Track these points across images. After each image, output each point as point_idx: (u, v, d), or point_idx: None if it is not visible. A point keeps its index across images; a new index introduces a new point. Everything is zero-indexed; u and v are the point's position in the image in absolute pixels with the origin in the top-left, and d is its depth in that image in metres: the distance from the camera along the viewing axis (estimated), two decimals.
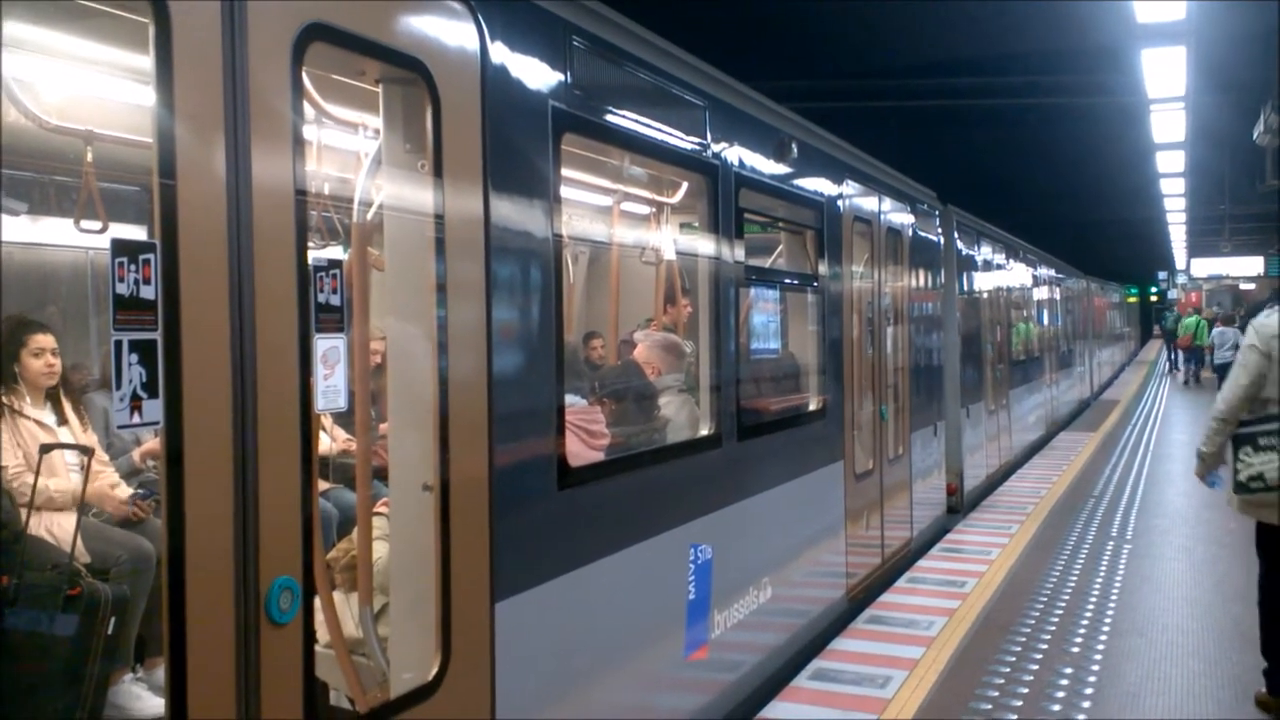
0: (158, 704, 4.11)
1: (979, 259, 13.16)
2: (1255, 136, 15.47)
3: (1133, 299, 52.22)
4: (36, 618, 3.37)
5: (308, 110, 3.40)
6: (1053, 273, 20.76)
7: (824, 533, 6.98)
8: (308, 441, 2.79)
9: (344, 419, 5.27)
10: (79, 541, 3.79)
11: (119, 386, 2.37)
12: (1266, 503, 5.29)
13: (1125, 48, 12.28)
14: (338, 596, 3.75)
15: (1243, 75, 14.08)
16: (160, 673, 4.19)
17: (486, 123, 3.49)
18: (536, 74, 3.85)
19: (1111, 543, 9.40)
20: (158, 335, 2.41)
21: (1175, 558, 9.00)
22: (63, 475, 4.34)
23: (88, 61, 3.81)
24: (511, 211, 3.64)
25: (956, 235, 11.66)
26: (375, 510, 3.80)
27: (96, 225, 4.10)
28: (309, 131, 3.82)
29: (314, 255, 2.85)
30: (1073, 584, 7.96)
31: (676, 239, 6.76)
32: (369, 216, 3.62)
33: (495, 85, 3.55)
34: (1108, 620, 7.02)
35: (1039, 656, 6.30)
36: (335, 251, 4.28)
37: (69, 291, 5.88)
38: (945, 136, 18.55)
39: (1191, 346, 29.53)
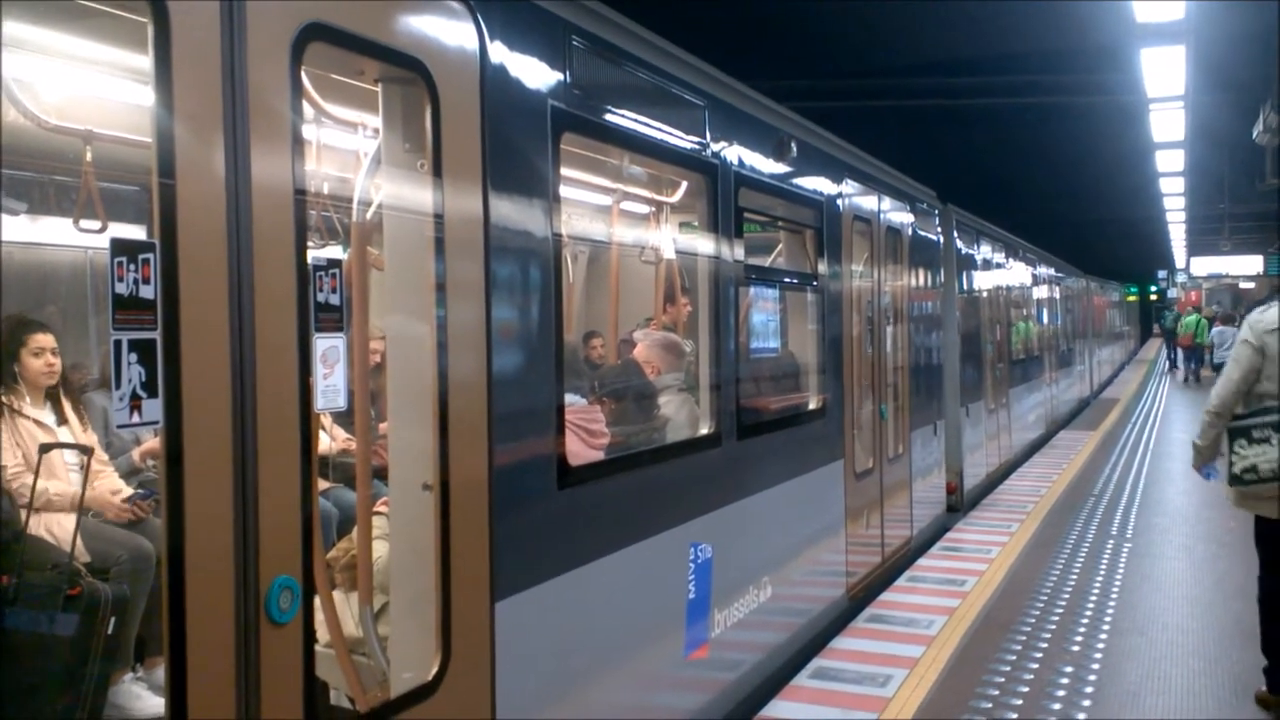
0: (158, 704, 4.11)
1: (979, 258, 13.17)
2: (1254, 135, 15.48)
3: (1132, 298, 52.24)
4: (36, 618, 3.38)
5: (307, 110, 3.41)
6: (1052, 272, 20.77)
7: (824, 531, 6.98)
8: (307, 441, 2.78)
9: (344, 418, 5.27)
10: (79, 541, 3.80)
11: (118, 386, 2.37)
12: (1261, 495, 5.32)
13: (1125, 47, 12.28)
14: (338, 596, 3.75)
15: (1242, 74, 14.09)
16: (160, 672, 4.19)
17: (486, 122, 3.49)
18: (536, 73, 3.85)
19: (1111, 541, 9.40)
20: (157, 335, 2.41)
21: (1175, 556, 9.00)
22: (62, 476, 4.34)
23: (87, 61, 3.81)
24: (511, 211, 3.64)
25: (956, 234, 11.66)
26: (375, 510, 3.80)
27: (96, 225, 4.11)
28: (308, 131, 3.84)
29: (313, 255, 2.85)
30: (1073, 582, 7.96)
31: (676, 238, 6.76)
32: (368, 216, 3.62)
33: (495, 85, 3.55)
34: (1108, 619, 7.03)
35: (1039, 655, 6.30)
36: (335, 251, 4.28)
37: (68, 291, 5.88)
38: (945, 136, 18.55)
39: (1192, 345, 29.54)
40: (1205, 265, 36.90)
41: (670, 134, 4.96)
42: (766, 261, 7.03)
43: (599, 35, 4.33)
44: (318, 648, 2.88)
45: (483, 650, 3.42)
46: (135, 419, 2.41)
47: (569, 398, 4.42)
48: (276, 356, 2.68)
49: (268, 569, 2.63)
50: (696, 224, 5.82)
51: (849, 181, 7.56)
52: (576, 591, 4.01)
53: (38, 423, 4.31)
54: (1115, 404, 24.11)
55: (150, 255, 2.40)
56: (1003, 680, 5.89)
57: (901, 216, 9.12)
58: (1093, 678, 5.92)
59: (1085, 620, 6.99)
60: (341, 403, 2.97)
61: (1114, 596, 7.58)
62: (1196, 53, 11.63)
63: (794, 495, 6.39)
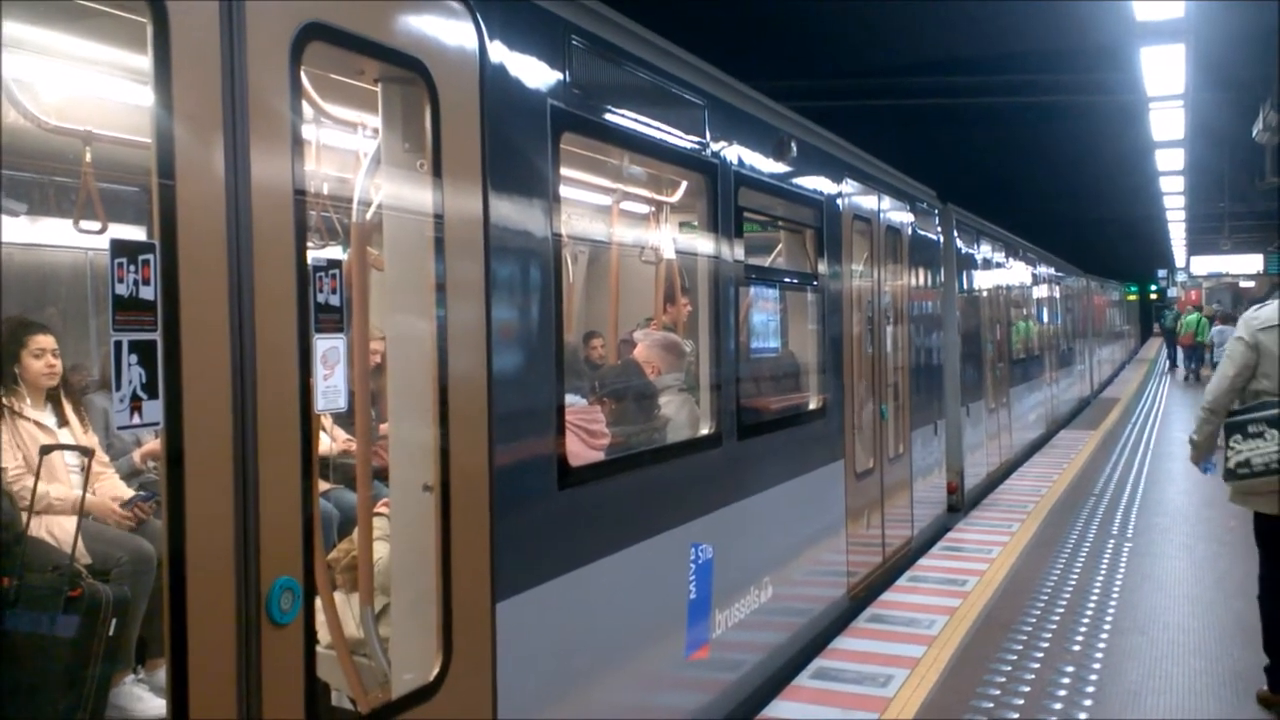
0: (159, 705, 4.11)
1: (979, 257, 13.16)
2: (1254, 134, 15.48)
3: (1132, 297, 52.24)
4: (37, 619, 3.38)
5: (306, 110, 3.40)
6: (1052, 271, 20.76)
7: (825, 532, 6.98)
8: (308, 442, 2.78)
9: (344, 419, 5.26)
10: (79, 543, 3.79)
11: (119, 387, 2.37)
12: (1256, 490, 5.33)
13: (1124, 46, 12.28)
14: (339, 597, 3.75)
15: (1242, 73, 14.09)
16: (161, 674, 4.18)
17: (485, 122, 3.48)
18: (536, 73, 3.85)
19: (1112, 541, 9.40)
20: (157, 336, 2.41)
21: (1176, 555, 9.00)
22: (63, 478, 4.34)
23: (86, 62, 3.81)
24: (511, 211, 3.64)
25: (956, 234, 11.65)
26: (376, 510, 3.80)
27: (96, 226, 4.11)
28: (308, 131, 3.83)
29: (313, 255, 2.85)
30: (1074, 582, 7.95)
31: (676, 238, 6.76)
32: (368, 216, 3.61)
33: (494, 84, 3.55)
34: (1109, 618, 7.02)
35: (1040, 655, 6.29)
36: (335, 251, 4.28)
37: (68, 292, 5.88)
38: (945, 135, 18.55)
39: (1193, 344, 29.54)
40: (1205, 264, 36.86)
41: (670, 133, 4.96)
42: (766, 261, 7.03)
43: (599, 35, 4.33)
44: (319, 649, 2.88)
45: (484, 651, 3.42)
46: (136, 420, 2.41)
47: (569, 398, 4.41)
48: (277, 357, 2.68)
49: (269, 570, 2.63)
50: (696, 224, 5.82)
51: (849, 181, 7.56)
52: (577, 592, 4.00)
53: (38, 424, 4.31)
54: (1115, 403, 24.11)
55: (150, 256, 2.40)
56: (1004, 680, 5.89)
57: (901, 216, 9.12)
58: (1094, 677, 5.91)
59: (1086, 620, 6.98)
60: (342, 403, 2.96)
61: (1115, 596, 7.57)
62: (1196, 51, 11.63)
63: (795, 495, 6.39)
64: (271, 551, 2.63)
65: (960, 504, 11.13)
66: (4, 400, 4.23)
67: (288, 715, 2.69)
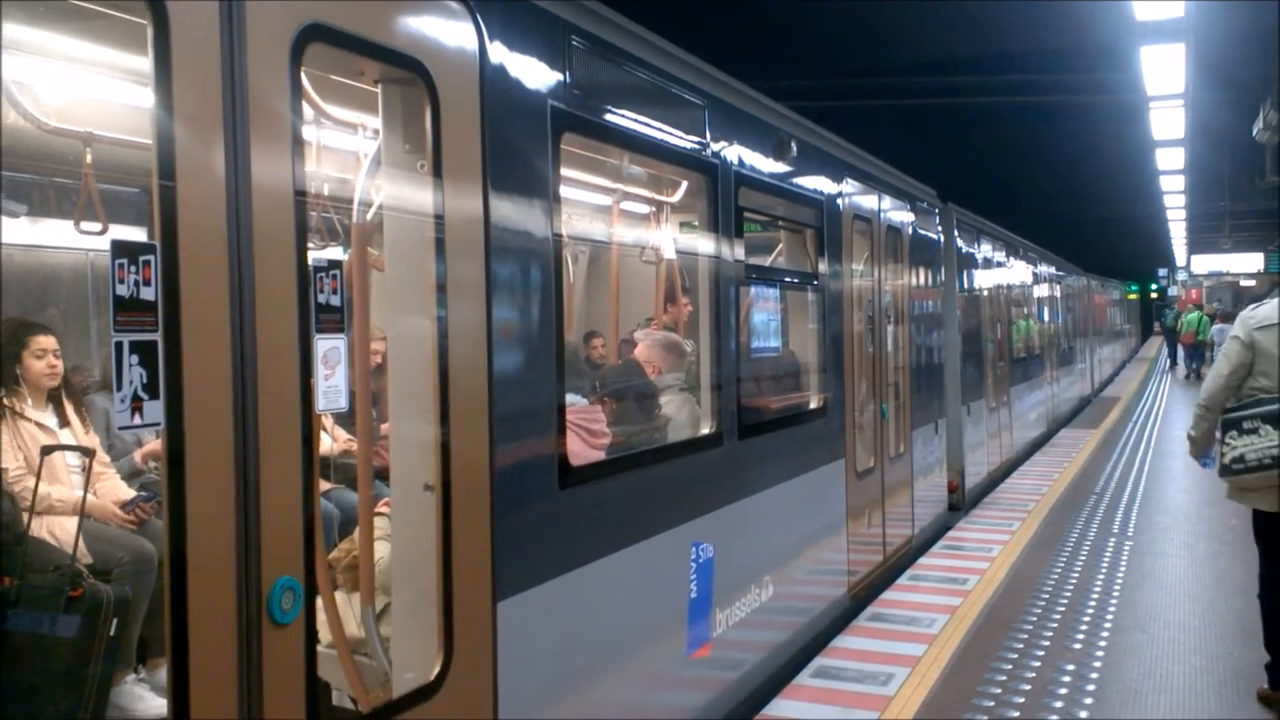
0: (160, 705, 4.12)
1: (979, 257, 13.16)
2: (1254, 133, 15.48)
3: (1133, 296, 52.21)
4: (38, 619, 3.38)
5: (307, 111, 3.41)
6: (1053, 270, 20.76)
7: (825, 531, 6.98)
8: (309, 442, 2.79)
9: (345, 419, 5.27)
10: (80, 543, 3.80)
11: (120, 388, 2.37)
12: (1252, 486, 5.34)
13: (1125, 45, 12.29)
14: (339, 596, 3.75)
15: (1242, 72, 14.09)
16: (162, 673, 4.19)
17: (486, 123, 3.49)
18: (536, 74, 3.85)
19: (1113, 539, 9.40)
20: (158, 336, 2.41)
21: (1177, 554, 9.00)
22: (64, 479, 4.35)
23: (86, 63, 3.81)
24: (511, 211, 3.64)
25: (956, 233, 11.65)
26: (377, 510, 3.80)
27: (96, 227, 4.11)
28: (308, 132, 3.83)
29: (314, 256, 2.85)
30: (1074, 581, 7.96)
31: (676, 238, 6.77)
32: (369, 217, 3.62)
33: (494, 85, 3.55)
34: (1109, 617, 7.02)
35: (1041, 653, 6.30)
36: (335, 252, 4.28)
37: (69, 293, 5.88)
38: (945, 135, 18.55)
39: (1194, 342, 29.52)
40: (1206, 263, 36.86)
41: (670, 134, 4.96)
42: (767, 261, 7.03)
43: (599, 35, 4.33)
44: (320, 648, 2.89)
45: (484, 650, 3.42)
46: (137, 421, 2.41)
47: (570, 398, 4.42)
48: (277, 358, 2.68)
49: (269, 570, 2.63)
50: (697, 224, 5.82)
51: (849, 181, 7.56)
52: (578, 591, 4.01)
53: (40, 425, 4.32)
54: (1116, 402, 24.11)
55: (151, 257, 2.40)
56: (1004, 679, 5.89)
57: (902, 215, 9.12)
58: (1094, 676, 5.92)
59: (1087, 618, 6.99)
60: (343, 404, 2.97)
61: (1115, 594, 7.57)
62: (1196, 51, 11.63)
63: (795, 494, 6.39)
64: (272, 551, 2.64)
65: (961, 503, 11.13)
66: (5, 401, 4.23)
67: (288, 715, 2.69)
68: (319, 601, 2.97)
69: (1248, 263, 34.27)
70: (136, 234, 4.37)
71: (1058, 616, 7.04)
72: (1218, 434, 5.53)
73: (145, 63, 2.45)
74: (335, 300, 2.89)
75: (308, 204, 2.94)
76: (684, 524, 4.90)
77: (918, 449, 9.35)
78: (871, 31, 13.42)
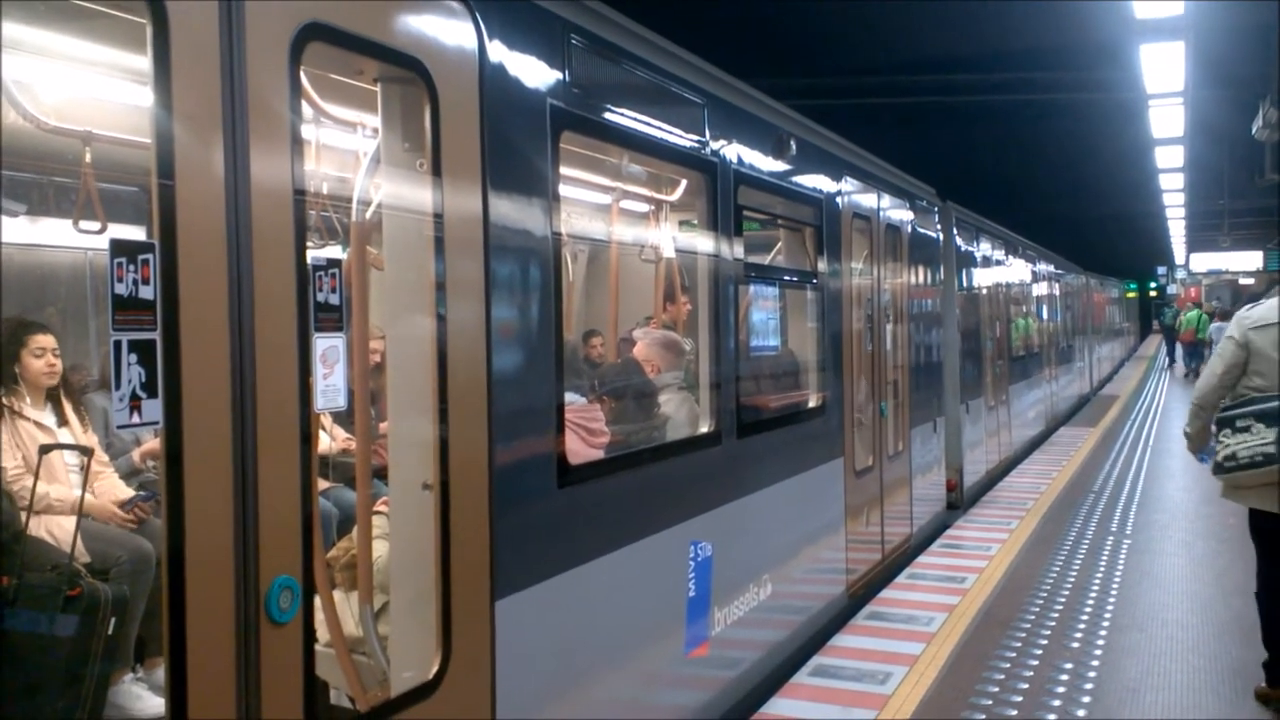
0: (158, 704, 4.12)
1: (978, 255, 13.16)
2: (1254, 131, 15.48)
3: (1132, 294, 52.23)
4: (36, 618, 3.38)
5: (306, 110, 3.40)
6: (1052, 268, 20.76)
7: (824, 529, 6.98)
8: (307, 441, 2.79)
9: (344, 418, 5.27)
10: (79, 542, 3.80)
11: (118, 387, 2.38)
12: (1244, 484, 5.35)
13: (1124, 43, 12.29)
14: (338, 595, 3.75)
15: (1241, 70, 14.10)
16: (160, 673, 4.19)
17: (485, 121, 3.49)
18: (535, 72, 3.85)
19: (1111, 538, 9.41)
20: (157, 335, 2.41)
21: (1175, 553, 9.01)
22: (62, 478, 4.35)
23: (86, 62, 3.81)
24: (510, 210, 3.64)
25: (955, 232, 11.65)
26: (375, 509, 3.81)
27: (95, 226, 4.11)
28: (307, 131, 3.83)
29: (313, 254, 2.85)
30: (1072, 579, 7.96)
31: (675, 236, 6.76)
32: (368, 216, 3.62)
33: (494, 84, 3.55)
34: (1107, 615, 7.03)
35: (1039, 652, 6.30)
36: (334, 251, 4.28)
37: (68, 292, 5.88)
38: (944, 133, 18.58)
39: (1194, 340, 29.53)
40: (1205, 261, 36.86)
41: (669, 132, 4.96)
42: (766, 259, 7.03)
43: (598, 34, 4.33)
44: (318, 647, 2.89)
45: (483, 649, 3.43)
46: (135, 419, 2.41)
47: (569, 396, 4.42)
48: (276, 356, 2.68)
49: (268, 569, 2.63)
50: (696, 222, 5.82)
51: (848, 179, 7.56)
52: (577, 590, 4.01)
53: (38, 424, 4.32)
54: (1115, 400, 24.13)
55: (150, 256, 2.40)
56: (1002, 677, 5.90)
57: (901, 214, 9.12)
58: (1092, 674, 5.92)
59: (1085, 617, 6.99)
60: (341, 402, 2.97)
61: (1113, 593, 7.58)
62: (1196, 49, 11.64)
63: (794, 493, 6.39)
64: (271, 550, 2.64)
65: (959, 501, 11.14)
66: (4, 400, 4.23)
67: (287, 714, 2.69)
68: (317, 600, 2.98)
69: (1247, 260, 34.29)
70: (135, 233, 4.39)
71: (1056, 615, 7.04)
72: (1213, 429, 5.54)
73: (144, 62, 2.45)
74: (334, 299, 2.89)
75: (307, 203, 2.94)
76: (682, 523, 4.90)
77: (916, 447, 9.35)
78: (871, 30, 13.43)
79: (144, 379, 2.40)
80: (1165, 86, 13.49)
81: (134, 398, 2.39)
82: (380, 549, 3.73)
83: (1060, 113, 17.63)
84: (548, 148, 3.90)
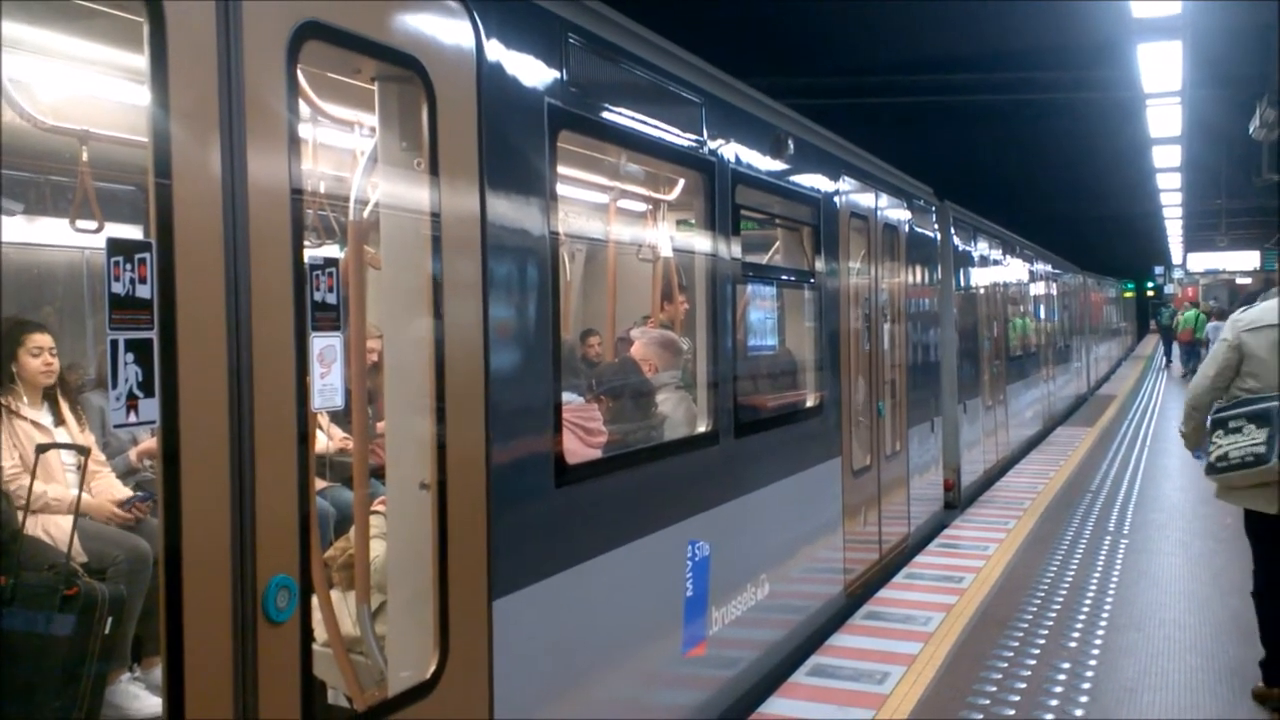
0: (155, 703, 4.11)
1: (976, 255, 13.16)
2: (1251, 131, 15.49)
3: (1129, 294, 52.26)
4: (33, 618, 3.37)
5: (303, 108, 3.40)
6: (1049, 268, 20.77)
7: (822, 529, 6.99)
8: (304, 440, 2.79)
9: (341, 417, 5.27)
10: (76, 541, 3.79)
11: (115, 386, 2.37)
12: (1238, 485, 5.36)
13: (1121, 43, 12.30)
14: (335, 595, 3.75)
15: (1239, 70, 14.11)
16: (157, 672, 4.17)
17: (482, 120, 3.48)
18: (532, 71, 3.85)
19: (1108, 537, 9.42)
20: (154, 334, 2.41)
21: (1172, 552, 9.02)
22: (59, 477, 4.34)
23: (83, 61, 3.81)
24: (508, 209, 3.64)
25: (953, 231, 11.66)
26: (373, 509, 3.80)
27: (92, 225, 4.10)
28: (305, 130, 3.83)
29: (310, 254, 2.85)
30: (1070, 579, 7.97)
31: (673, 236, 6.76)
32: (365, 215, 3.61)
33: (491, 83, 3.55)
34: (1105, 615, 7.04)
35: (1036, 651, 6.31)
36: (331, 250, 4.28)
37: (65, 291, 5.87)
38: (942, 133, 18.59)
39: (1192, 340, 29.56)
40: (1202, 261, 36.93)
41: (667, 131, 4.96)
42: (764, 259, 7.03)
43: (596, 33, 4.33)
44: (315, 647, 2.88)
45: (480, 649, 3.42)
46: (132, 419, 2.41)
47: (566, 396, 4.42)
48: (273, 356, 2.68)
49: (265, 568, 2.63)
50: (694, 221, 5.82)
51: (846, 179, 7.56)
52: (574, 589, 4.01)
53: (35, 423, 4.31)
54: (1112, 400, 24.15)
55: (147, 255, 2.40)
56: (1000, 676, 5.90)
57: (899, 213, 9.12)
58: (1090, 674, 5.93)
59: (1082, 616, 7.00)
60: (339, 402, 2.97)
61: (1111, 593, 7.59)
62: (1193, 48, 11.64)
63: (791, 493, 6.39)
64: (268, 549, 2.64)
65: (957, 501, 11.14)
66: (1, 399, 4.23)
67: (284, 713, 2.69)
68: (314, 600, 2.97)
69: (1244, 260, 34.36)
70: (132, 232, 4.38)
71: (1053, 614, 7.05)
72: (1207, 430, 5.55)
73: (142, 61, 2.45)
74: (331, 298, 2.89)
75: (304, 202, 2.93)
76: (680, 522, 4.90)
77: (914, 447, 9.36)
78: (869, 30, 13.44)
79: (141, 378, 2.40)
80: (1163, 86, 13.49)
81: (131, 397, 2.39)
82: (378, 548, 3.72)
83: (1058, 112, 17.64)
84: (545, 147, 3.90)
